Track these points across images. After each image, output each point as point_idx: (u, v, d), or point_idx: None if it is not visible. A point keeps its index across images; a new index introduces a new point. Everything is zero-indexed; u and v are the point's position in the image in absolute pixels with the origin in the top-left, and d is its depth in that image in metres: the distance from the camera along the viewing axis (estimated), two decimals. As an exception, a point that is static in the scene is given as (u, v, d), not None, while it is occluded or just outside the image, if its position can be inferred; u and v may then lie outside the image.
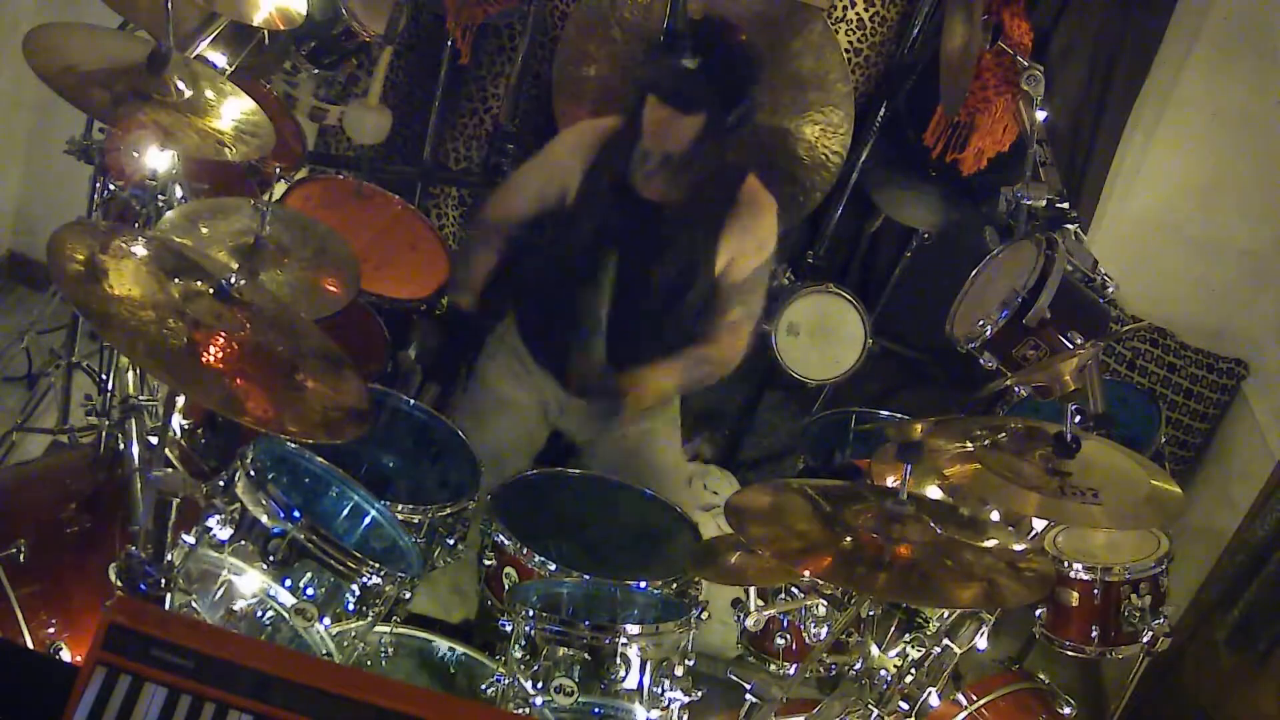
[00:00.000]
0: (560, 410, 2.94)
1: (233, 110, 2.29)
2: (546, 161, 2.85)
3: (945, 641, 2.06)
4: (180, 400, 2.18)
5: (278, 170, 3.08)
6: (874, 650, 2.11)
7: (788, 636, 2.41)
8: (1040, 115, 2.65)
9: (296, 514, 2.03)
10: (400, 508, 2.35)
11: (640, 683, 2.08)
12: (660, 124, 2.56)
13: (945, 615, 2.10)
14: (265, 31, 2.64)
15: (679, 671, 2.12)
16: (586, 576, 2.31)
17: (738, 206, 2.73)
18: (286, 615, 1.98)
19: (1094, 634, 2.50)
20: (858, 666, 2.13)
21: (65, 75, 2.07)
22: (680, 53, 2.51)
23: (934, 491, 2.17)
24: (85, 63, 2.11)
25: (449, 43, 3.37)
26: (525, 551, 2.35)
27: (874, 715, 2.06)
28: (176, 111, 2.16)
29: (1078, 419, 2.04)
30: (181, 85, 2.18)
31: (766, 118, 3.15)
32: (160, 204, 2.37)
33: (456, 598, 2.74)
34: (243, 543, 2.01)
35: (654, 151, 2.61)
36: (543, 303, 2.91)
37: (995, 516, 2.08)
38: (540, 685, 2.04)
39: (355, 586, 2.08)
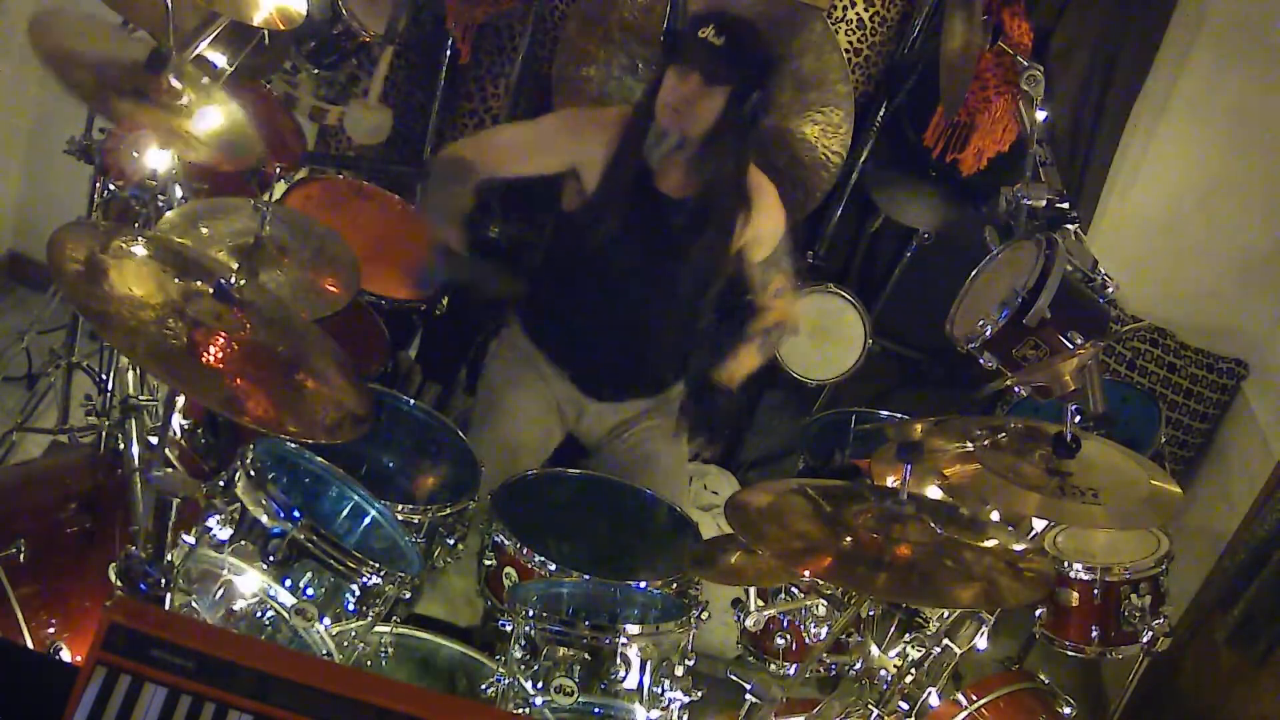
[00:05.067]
0: (579, 413, 2.94)
1: (218, 118, 2.29)
2: (559, 129, 2.83)
3: (945, 641, 2.06)
4: (180, 400, 2.19)
5: (278, 170, 3.08)
6: (874, 650, 2.11)
7: (788, 636, 2.41)
8: (1040, 115, 2.65)
9: (296, 514, 2.03)
10: (400, 508, 2.35)
11: (640, 683, 2.08)
12: (680, 98, 2.55)
13: (945, 615, 2.10)
14: (265, 31, 2.64)
15: (679, 671, 2.12)
16: (586, 576, 2.32)
17: (749, 198, 2.75)
18: (286, 615, 1.98)
19: (1094, 634, 2.51)
20: (858, 666, 2.13)
21: (68, 64, 2.06)
22: (703, 28, 2.52)
23: (934, 491, 2.17)
24: (87, 53, 2.11)
25: (449, 43, 3.37)
26: (525, 551, 2.34)
27: (874, 715, 2.06)
28: (175, 113, 2.16)
29: (1078, 419, 2.04)
30: (179, 87, 2.18)
31: (766, 118, 3.15)
32: (160, 204, 2.37)
33: (466, 606, 2.74)
34: (243, 543, 2.01)
35: (672, 130, 2.59)
36: (553, 302, 2.90)
37: (995, 516, 2.08)
38: (540, 685, 2.04)
39: (355, 586, 2.08)
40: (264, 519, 2.03)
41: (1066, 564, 2.51)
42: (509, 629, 2.14)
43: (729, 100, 2.56)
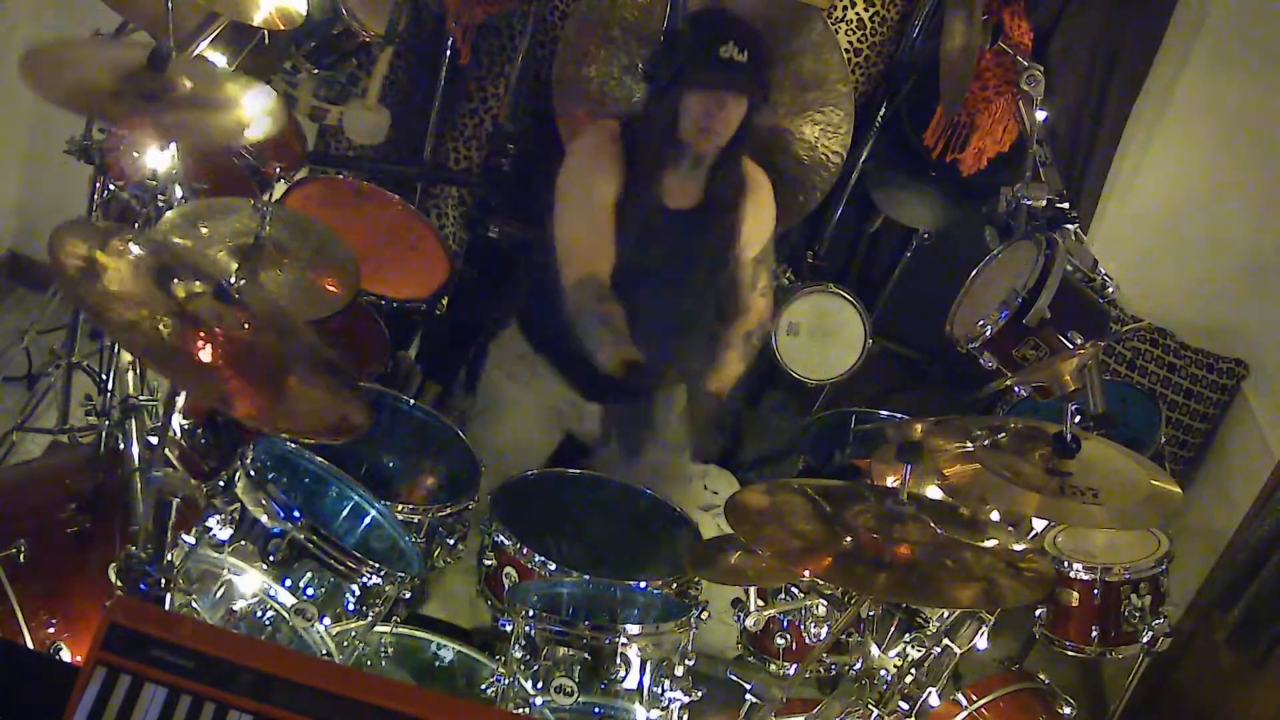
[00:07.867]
0: (580, 418, 2.93)
1: (250, 99, 2.27)
2: (576, 181, 2.71)
3: (945, 641, 2.06)
4: (180, 400, 2.19)
5: (278, 170, 3.08)
6: (874, 650, 2.11)
7: (788, 636, 2.41)
8: (1040, 115, 2.65)
9: (296, 514, 2.04)
10: (400, 508, 2.35)
11: (640, 683, 2.08)
12: (718, 120, 2.55)
13: (945, 615, 2.10)
14: (265, 31, 2.64)
15: (679, 671, 2.12)
16: (586, 576, 2.32)
17: (747, 188, 2.75)
18: (286, 615, 1.98)
19: (1094, 634, 2.51)
20: (858, 666, 2.13)
21: (71, 90, 2.06)
22: (719, 43, 2.53)
23: (934, 491, 2.17)
24: (88, 76, 2.10)
25: (449, 43, 3.37)
26: (525, 551, 2.34)
27: (874, 715, 2.06)
28: (189, 107, 2.14)
29: (1078, 419, 2.04)
30: (187, 82, 2.17)
31: (766, 118, 3.15)
32: (160, 204, 2.37)
33: (467, 606, 2.74)
34: (243, 543, 2.01)
35: (703, 150, 2.59)
36: (549, 306, 2.88)
37: (995, 516, 2.08)
38: (540, 685, 2.04)
39: (355, 586, 2.08)
40: (264, 519, 2.03)
41: (1066, 564, 2.51)
42: (509, 629, 2.14)
43: (748, 108, 2.59)
